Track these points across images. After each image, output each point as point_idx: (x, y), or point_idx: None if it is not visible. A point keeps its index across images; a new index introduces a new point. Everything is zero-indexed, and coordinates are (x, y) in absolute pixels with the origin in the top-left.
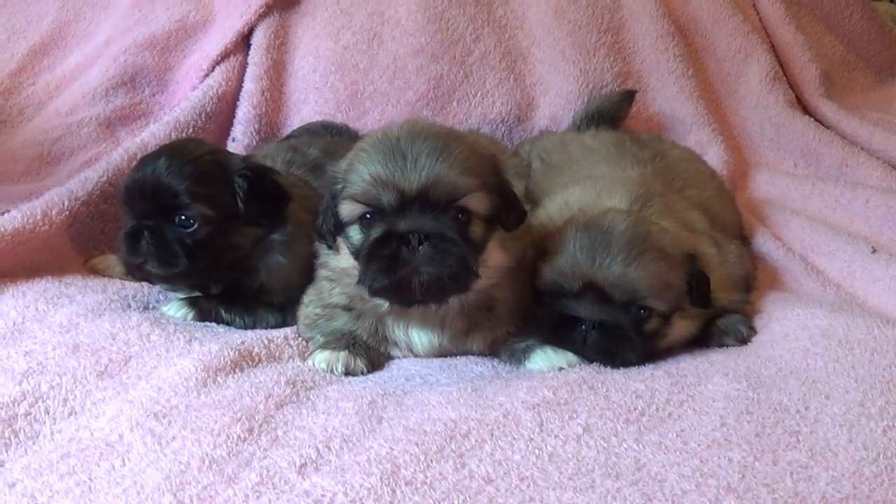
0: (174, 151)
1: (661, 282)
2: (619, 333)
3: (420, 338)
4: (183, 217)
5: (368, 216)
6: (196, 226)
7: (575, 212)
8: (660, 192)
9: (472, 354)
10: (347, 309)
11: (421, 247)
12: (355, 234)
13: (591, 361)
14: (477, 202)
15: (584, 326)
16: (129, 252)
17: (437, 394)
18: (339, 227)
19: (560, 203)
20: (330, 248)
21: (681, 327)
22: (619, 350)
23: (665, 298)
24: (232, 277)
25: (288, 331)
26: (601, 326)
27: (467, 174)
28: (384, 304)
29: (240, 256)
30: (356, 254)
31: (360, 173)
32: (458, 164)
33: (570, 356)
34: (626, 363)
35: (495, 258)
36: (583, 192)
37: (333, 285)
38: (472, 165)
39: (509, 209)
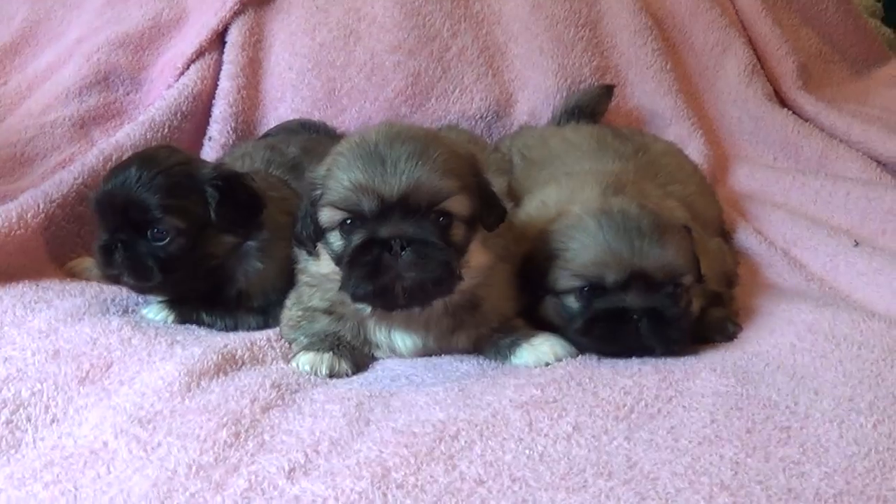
0: (143, 162)
1: (688, 256)
2: (665, 316)
3: (403, 340)
4: (155, 230)
5: (349, 222)
6: (169, 238)
7: (553, 211)
8: (631, 181)
9: (457, 352)
10: (328, 313)
11: (403, 252)
12: (336, 240)
13: (644, 352)
14: (458, 205)
15: (635, 317)
16: (103, 265)
17: (423, 394)
18: (319, 234)
19: (537, 203)
20: (310, 254)
21: (696, 297)
22: (670, 333)
23: (693, 272)
24: (209, 286)
25: (271, 333)
26: (650, 313)
27: (447, 177)
28: (366, 309)
29: (215, 265)
30: (337, 260)
31: (339, 179)
32: (438, 167)
33: (558, 349)
34: (679, 345)
35: (478, 258)
36: (558, 191)
37: (314, 290)
38: (452, 167)
39: (490, 209)
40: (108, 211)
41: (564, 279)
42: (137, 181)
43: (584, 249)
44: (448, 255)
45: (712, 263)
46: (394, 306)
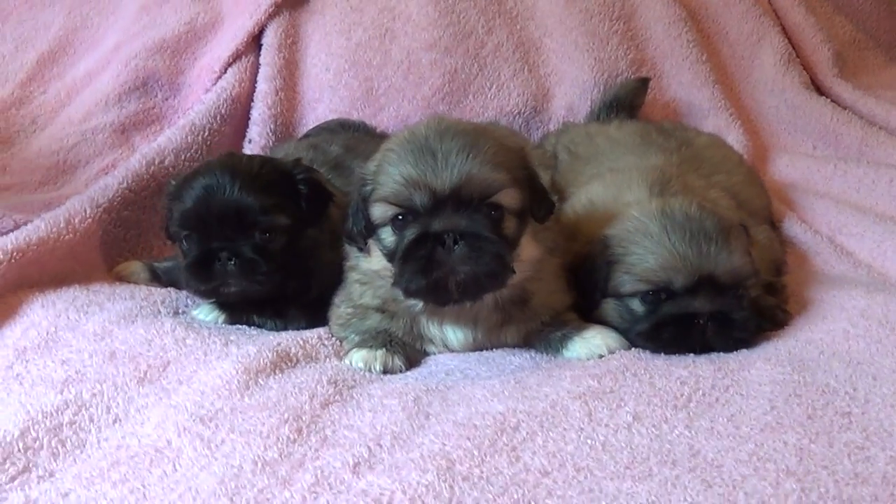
0: (228, 167)
1: (750, 259)
2: (731, 319)
3: (455, 334)
4: (261, 231)
5: (401, 217)
6: (273, 237)
7: (601, 209)
8: (676, 174)
9: (506, 346)
10: (380, 310)
11: (456, 246)
12: (388, 235)
13: (708, 352)
14: (509, 198)
15: (701, 321)
16: (201, 279)
17: (480, 387)
18: (371, 230)
19: (584, 201)
20: (361, 250)
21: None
22: (736, 335)
23: (759, 276)
24: (300, 282)
25: (321, 331)
26: (717, 317)
27: (498, 170)
28: (418, 304)
29: (307, 259)
30: (390, 256)
31: (390, 174)
32: (489, 160)
33: (611, 342)
34: (744, 346)
35: (528, 251)
36: (604, 188)
37: (365, 288)
38: (502, 161)
39: (539, 202)
40: (207, 221)
41: (629, 283)
42: (235, 187)
43: (649, 254)
44: (501, 247)
45: (762, 253)
46: (447, 301)
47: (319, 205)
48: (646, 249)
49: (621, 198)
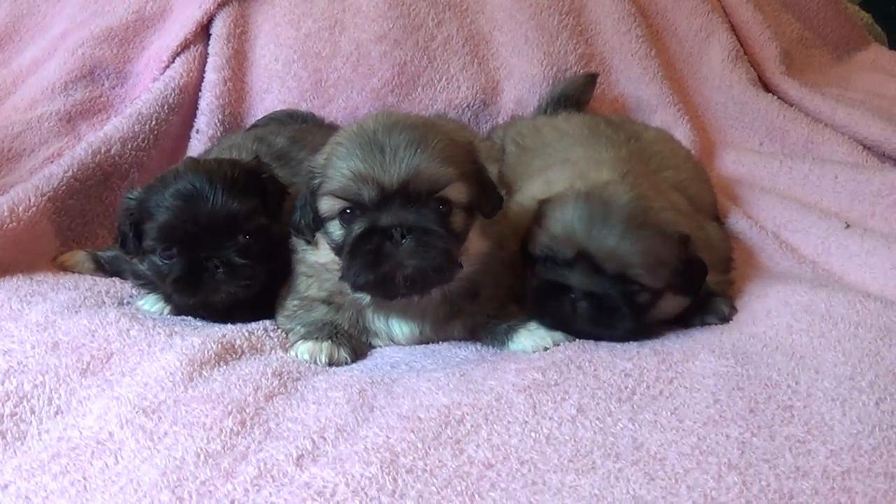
0: (206, 174)
1: (654, 258)
2: (608, 305)
3: (401, 328)
4: (244, 234)
5: (349, 211)
6: (256, 239)
7: (559, 189)
8: (643, 173)
9: (453, 339)
10: (326, 302)
11: (404, 240)
12: (336, 229)
13: (581, 332)
14: (457, 192)
15: (573, 295)
16: (190, 292)
17: (425, 380)
18: (319, 223)
19: (541, 183)
20: (308, 243)
21: (671, 304)
22: (608, 321)
23: (657, 274)
24: (277, 276)
25: (267, 323)
26: (591, 297)
27: (446, 164)
28: (365, 298)
29: (280, 254)
30: (337, 249)
31: (338, 168)
32: (437, 154)
33: (556, 335)
34: (616, 335)
35: (476, 245)
36: (563, 172)
37: (311, 280)
38: (451, 155)
39: (488, 196)
40: (188, 233)
41: (534, 246)
42: (216, 192)
43: (554, 223)
44: (448, 242)
45: (714, 250)
46: (394, 295)
47: (280, 201)
48: (554, 218)
49: (586, 180)
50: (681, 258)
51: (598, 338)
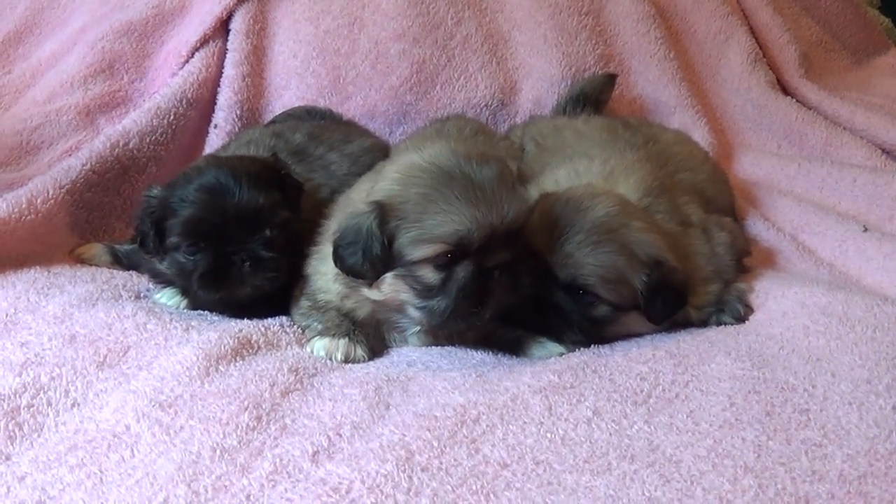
0: (230, 169)
1: (612, 273)
2: (560, 313)
3: (415, 340)
4: (270, 228)
5: (447, 254)
6: (280, 232)
7: (587, 179)
8: (668, 188)
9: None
10: (346, 315)
11: (502, 276)
12: (427, 272)
13: (537, 334)
14: None
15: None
16: (217, 287)
17: (441, 379)
18: (395, 265)
19: (566, 171)
20: (370, 285)
21: (638, 323)
22: (559, 329)
23: (616, 291)
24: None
25: (283, 318)
26: (547, 303)
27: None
28: (414, 328)
29: (300, 248)
30: (428, 293)
31: (436, 215)
32: (513, 184)
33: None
34: (570, 344)
35: None
36: (592, 164)
37: (326, 295)
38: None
39: None
40: (215, 227)
41: None
42: (242, 187)
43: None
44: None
45: (718, 260)
46: (483, 322)
47: (297, 197)
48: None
49: (612, 179)
50: (648, 282)
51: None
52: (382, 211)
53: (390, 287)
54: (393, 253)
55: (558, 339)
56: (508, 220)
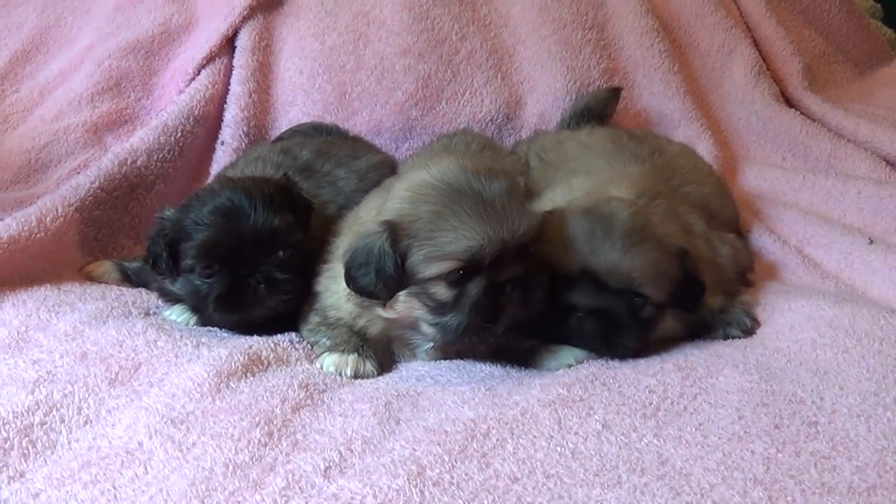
0: (244, 190)
1: (656, 270)
2: (614, 321)
3: (425, 356)
4: (284, 249)
5: (459, 271)
6: (294, 253)
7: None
8: (664, 194)
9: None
10: (356, 332)
11: (515, 291)
12: (439, 289)
13: (588, 350)
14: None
15: (579, 314)
16: (233, 309)
17: (451, 394)
18: (409, 283)
19: (562, 190)
20: (383, 303)
21: (672, 323)
22: (614, 337)
23: (660, 287)
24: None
25: (293, 334)
26: (596, 314)
27: (533, 212)
28: (427, 345)
29: (312, 267)
30: (441, 309)
31: (447, 232)
32: (522, 198)
33: (578, 353)
34: (623, 351)
35: None
36: (586, 181)
37: (356, 321)
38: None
39: None
40: (231, 249)
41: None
42: (256, 208)
43: (556, 241)
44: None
45: (721, 272)
46: (494, 336)
47: (307, 216)
48: (555, 238)
49: (606, 190)
50: (681, 271)
51: (606, 355)
52: (394, 230)
53: (403, 305)
54: (405, 271)
55: (608, 347)
56: (519, 235)
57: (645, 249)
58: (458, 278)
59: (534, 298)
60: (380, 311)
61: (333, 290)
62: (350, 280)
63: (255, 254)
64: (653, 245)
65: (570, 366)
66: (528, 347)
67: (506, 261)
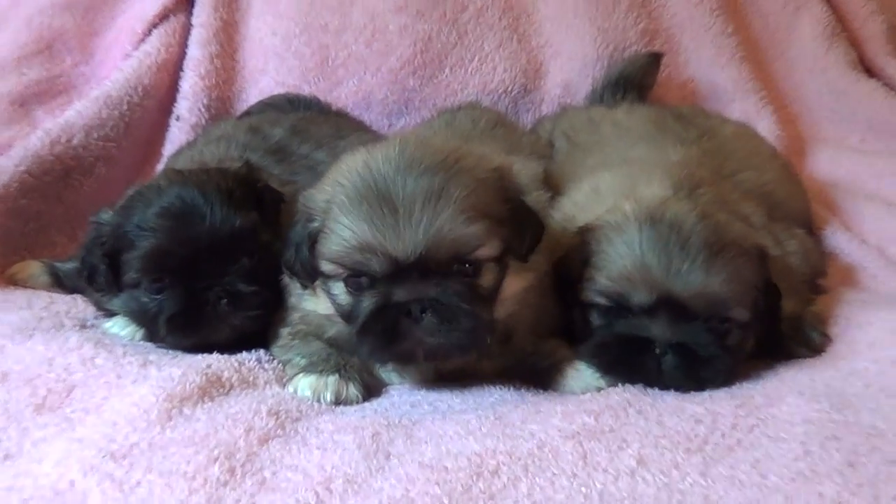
0: (197, 186)
1: (743, 285)
2: (698, 354)
3: (412, 377)
4: (248, 255)
5: (355, 276)
6: (261, 259)
7: (609, 201)
8: (707, 180)
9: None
10: (327, 342)
11: (424, 314)
12: (341, 292)
13: (668, 389)
14: (488, 249)
15: (657, 350)
16: (189, 332)
17: (452, 423)
18: (318, 274)
19: (587, 191)
20: (305, 287)
21: (753, 339)
22: (702, 374)
23: (746, 304)
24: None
25: (261, 352)
26: (679, 348)
27: (474, 221)
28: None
29: (280, 271)
30: (345, 315)
31: (339, 229)
32: (463, 208)
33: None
34: (711, 387)
35: (513, 287)
36: (614, 178)
37: (307, 327)
38: (480, 203)
39: (524, 233)
40: (184, 259)
41: (590, 290)
42: (213, 208)
43: (616, 259)
44: (475, 315)
45: (791, 272)
46: (416, 363)
47: (277, 211)
48: (615, 252)
49: (636, 192)
50: (762, 276)
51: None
52: (311, 211)
53: (323, 297)
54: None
55: (698, 386)
56: (418, 250)
57: (727, 260)
58: (358, 285)
59: (452, 330)
60: (310, 305)
61: (297, 291)
62: (283, 260)
63: (213, 263)
64: (734, 252)
65: (598, 389)
66: (549, 366)
67: (409, 279)
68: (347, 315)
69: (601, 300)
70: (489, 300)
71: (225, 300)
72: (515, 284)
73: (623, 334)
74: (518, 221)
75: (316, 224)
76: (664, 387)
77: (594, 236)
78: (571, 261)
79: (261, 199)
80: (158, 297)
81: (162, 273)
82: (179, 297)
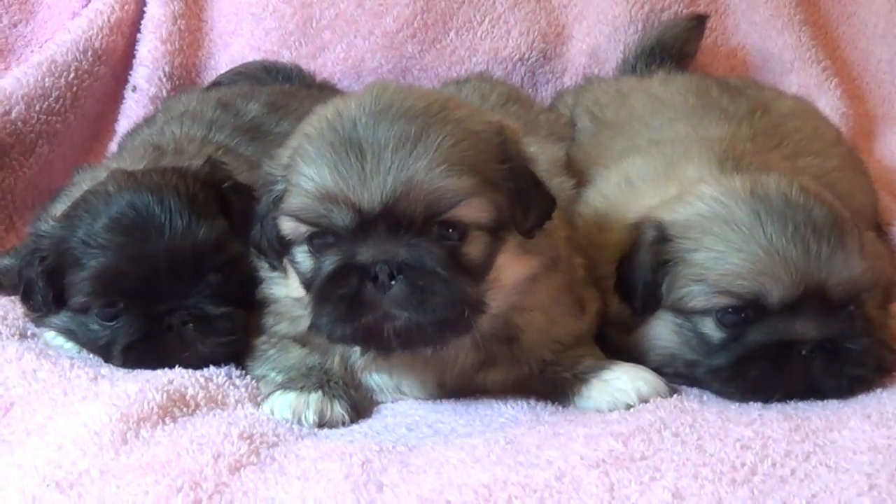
0: (153, 190)
1: (870, 264)
2: (842, 350)
3: (410, 385)
4: (215, 271)
5: (318, 236)
6: (230, 274)
7: (644, 190)
8: (751, 151)
9: (490, 393)
10: (302, 343)
11: (392, 283)
12: (303, 258)
13: (818, 398)
14: (474, 210)
15: (803, 352)
16: (149, 362)
17: (456, 448)
18: (283, 245)
19: (617, 181)
20: (274, 268)
21: None
22: (855, 371)
23: (876, 286)
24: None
25: (231, 367)
26: (825, 346)
27: (457, 171)
28: (356, 350)
29: (254, 283)
30: (307, 284)
31: (301, 179)
32: (442, 156)
33: (643, 386)
34: (864, 388)
35: (511, 272)
36: (647, 163)
37: (279, 318)
38: (465, 155)
39: (528, 206)
40: (137, 281)
41: (700, 295)
42: (173, 217)
43: (734, 252)
44: (456, 286)
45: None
46: (387, 350)
47: (248, 213)
48: (728, 245)
49: (673, 175)
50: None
51: (842, 397)
52: (273, 174)
53: (293, 277)
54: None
55: (850, 388)
56: (386, 199)
57: (853, 237)
58: (321, 247)
59: (425, 303)
60: (282, 290)
61: (264, 290)
62: (251, 240)
63: (175, 282)
64: (852, 225)
65: (628, 406)
66: (572, 377)
67: (373, 234)
68: (309, 284)
69: (724, 301)
70: (477, 275)
71: (191, 325)
72: (517, 269)
73: (766, 342)
74: (519, 188)
75: (279, 186)
76: (815, 395)
77: (677, 231)
78: (641, 263)
79: (227, 202)
80: (111, 324)
81: (115, 297)
82: (137, 325)
